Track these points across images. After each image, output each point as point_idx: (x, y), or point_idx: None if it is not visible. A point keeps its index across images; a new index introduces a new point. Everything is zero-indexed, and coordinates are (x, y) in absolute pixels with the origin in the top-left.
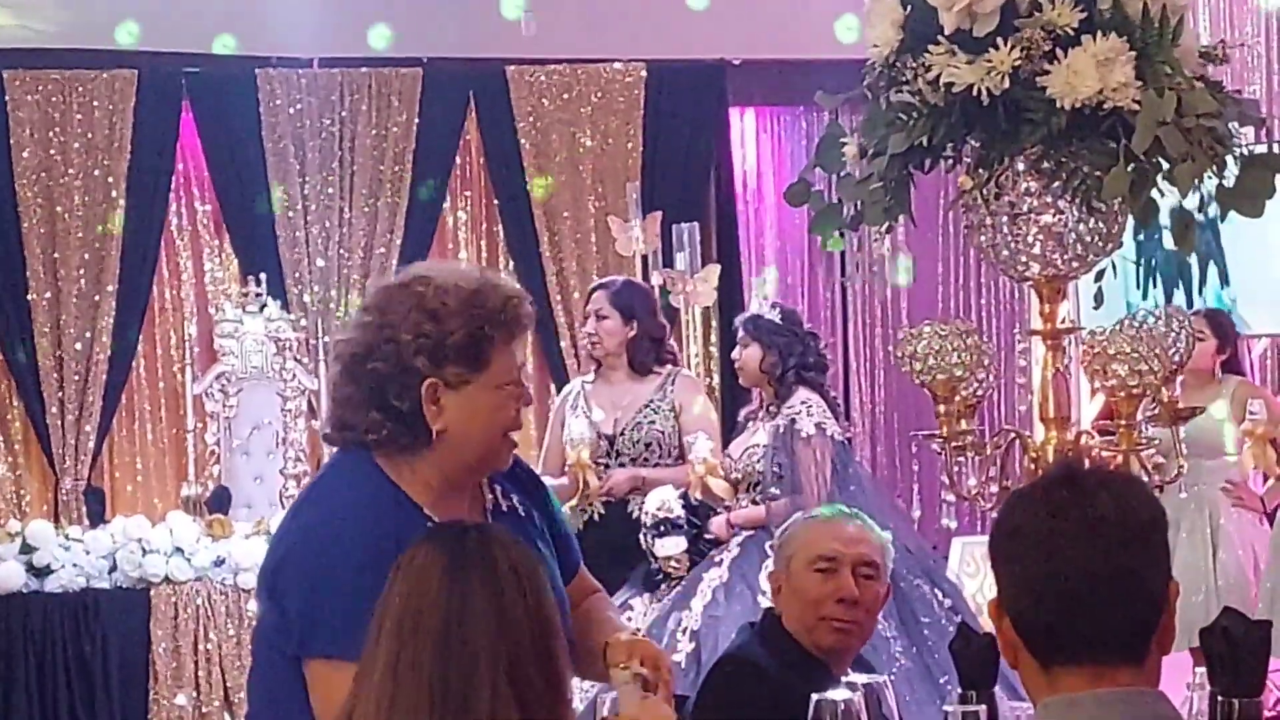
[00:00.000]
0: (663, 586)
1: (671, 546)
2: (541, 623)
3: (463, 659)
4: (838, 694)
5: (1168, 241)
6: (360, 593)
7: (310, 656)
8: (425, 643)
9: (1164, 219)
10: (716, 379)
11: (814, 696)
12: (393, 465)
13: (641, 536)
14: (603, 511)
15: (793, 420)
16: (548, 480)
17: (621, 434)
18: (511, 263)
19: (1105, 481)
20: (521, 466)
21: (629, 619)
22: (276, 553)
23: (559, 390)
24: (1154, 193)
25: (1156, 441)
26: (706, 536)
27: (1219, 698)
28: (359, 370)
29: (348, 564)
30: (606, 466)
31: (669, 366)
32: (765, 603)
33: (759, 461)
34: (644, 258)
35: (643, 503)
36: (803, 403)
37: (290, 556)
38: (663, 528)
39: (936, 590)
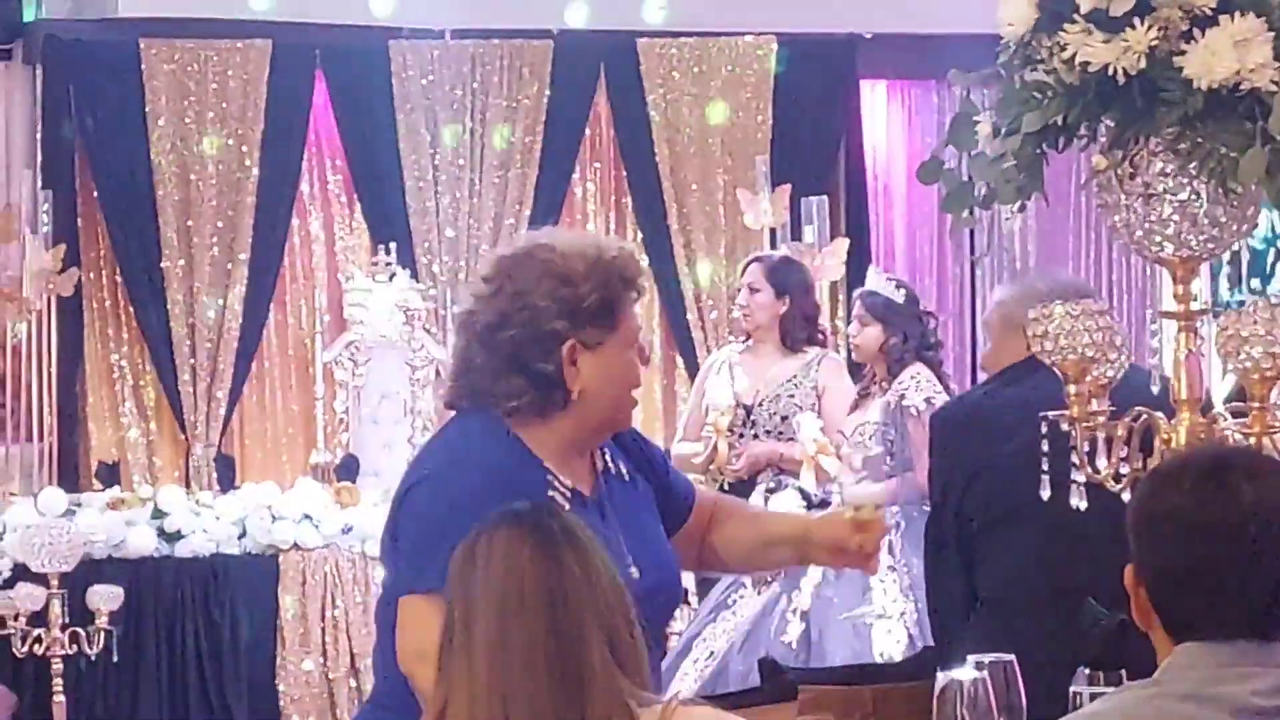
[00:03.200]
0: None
1: None
2: (621, 589)
3: (570, 629)
4: (964, 673)
5: None
6: (458, 530)
7: (413, 592)
8: (533, 619)
9: None
10: (843, 354)
11: (940, 676)
12: (523, 428)
13: None
14: (729, 486)
15: (902, 396)
16: (685, 446)
17: (760, 405)
18: (640, 234)
19: (1251, 473)
20: (626, 433)
21: (740, 598)
22: (399, 497)
23: (685, 362)
24: None
25: None
26: None
27: None
28: (494, 339)
29: (470, 504)
30: (741, 436)
31: (816, 348)
32: (874, 582)
33: (871, 439)
34: (772, 231)
35: (773, 486)
36: (912, 377)
37: (413, 494)
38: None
39: None
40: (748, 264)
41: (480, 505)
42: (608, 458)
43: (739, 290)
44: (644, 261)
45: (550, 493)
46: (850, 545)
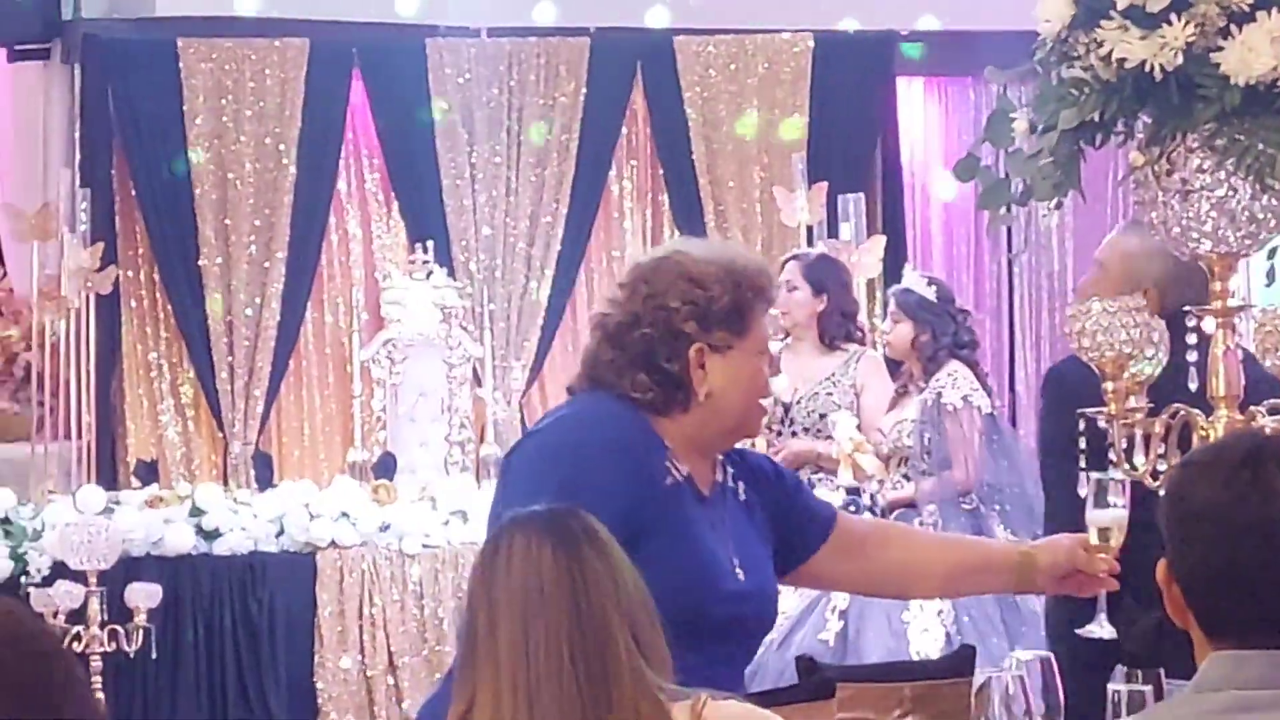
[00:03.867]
0: None
1: None
2: (643, 587)
3: (594, 623)
4: (1003, 670)
5: None
6: (559, 475)
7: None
8: (556, 616)
9: None
10: (880, 350)
11: (979, 673)
12: (649, 417)
13: None
14: None
15: (939, 394)
16: None
17: (798, 403)
18: (676, 232)
19: None
20: (756, 458)
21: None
22: (506, 456)
23: None
24: None
25: None
26: None
27: None
28: (625, 338)
29: (562, 448)
30: (779, 434)
31: (855, 346)
32: None
33: (908, 436)
34: (809, 228)
35: (811, 484)
36: (949, 375)
37: (521, 448)
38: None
39: None
40: (785, 262)
41: (588, 451)
42: (729, 474)
43: (776, 288)
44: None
45: (668, 468)
46: (1084, 565)
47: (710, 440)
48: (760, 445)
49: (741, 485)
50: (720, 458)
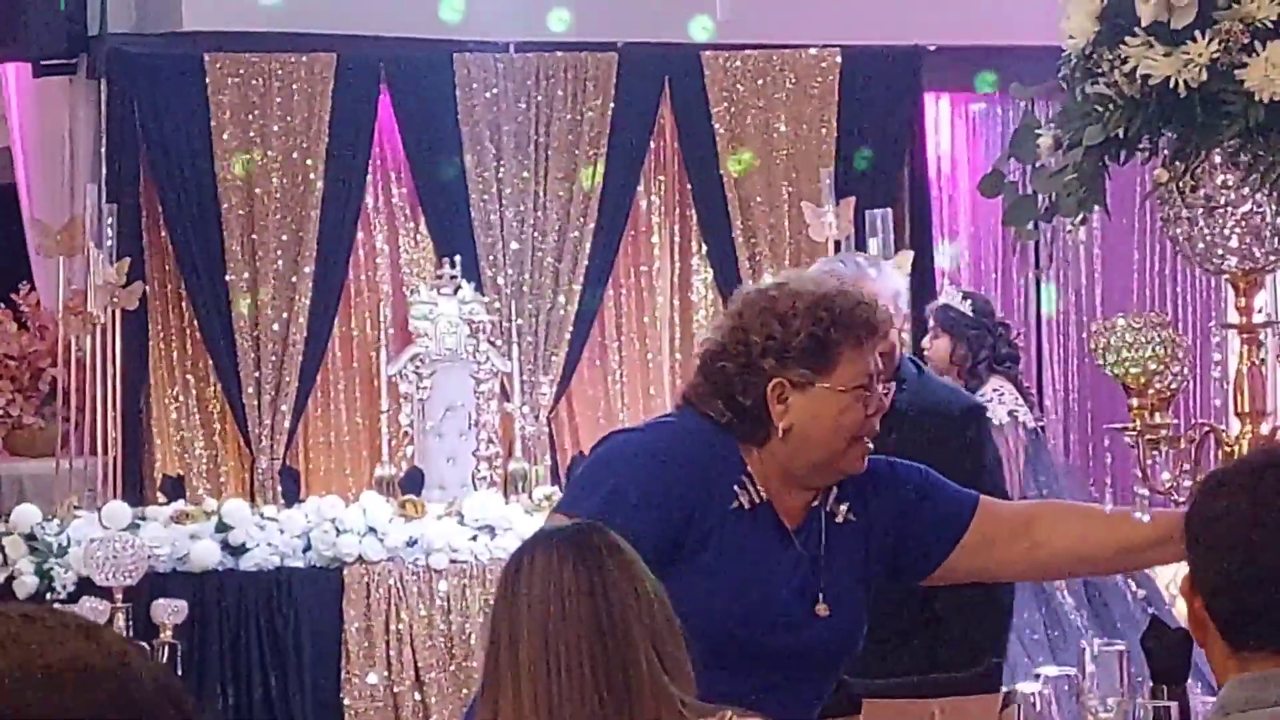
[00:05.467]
0: None
1: None
2: (665, 602)
3: (617, 637)
4: (1028, 686)
5: None
6: (621, 475)
7: (559, 510)
8: (578, 630)
9: None
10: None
11: (1004, 689)
12: (777, 452)
13: None
14: None
15: (984, 410)
16: None
17: None
18: (704, 247)
19: None
20: (875, 469)
21: None
22: (592, 449)
23: None
24: None
25: None
26: None
27: None
28: (710, 367)
29: (632, 452)
30: None
31: None
32: None
33: None
34: (837, 243)
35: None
36: (995, 390)
37: (599, 446)
38: None
39: (1130, 580)
40: None
41: (654, 460)
42: (832, 498)
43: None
44: (869, 310)
45: (737, 491)
46: None
47: (801, 474)
48: None
49: (845, 507)
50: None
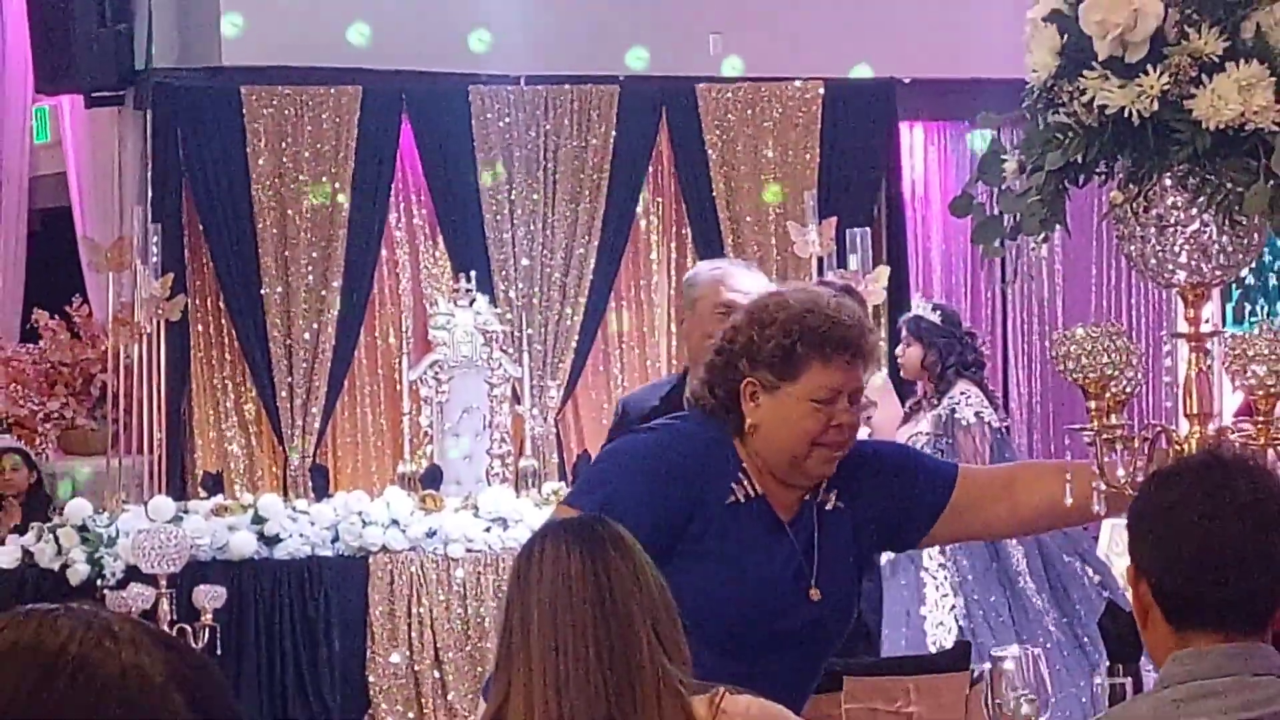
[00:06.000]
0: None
1: None
2: (665, 588)
3: (619, 622)
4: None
5: None
6: (623, 471)
7: (565, 504)
8: (583, 615)
9: None
10: (886, 370)
11: (974, 667)
12: (749, 445)
13: None
14: None
15: (953, 410)
16: None
17: None
18: (698, 262)
19: (1244, 469)
20: (860, 453)
21: None
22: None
23: None
24: None
25: None
26: None
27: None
28: (709, 360)
29: (635, 451)
30: None
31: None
32: (927, 578)
33: (923, 447)
34: (820, 259)
35: None
36: (962, 393)
37: (609, 444)
38: None
39: (1086, 567)
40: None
41: (655, 457)
42: (821, 487)
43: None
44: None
45: (733, 488)
46: None
47: (777, 471)
48: None
49: (834, 495)
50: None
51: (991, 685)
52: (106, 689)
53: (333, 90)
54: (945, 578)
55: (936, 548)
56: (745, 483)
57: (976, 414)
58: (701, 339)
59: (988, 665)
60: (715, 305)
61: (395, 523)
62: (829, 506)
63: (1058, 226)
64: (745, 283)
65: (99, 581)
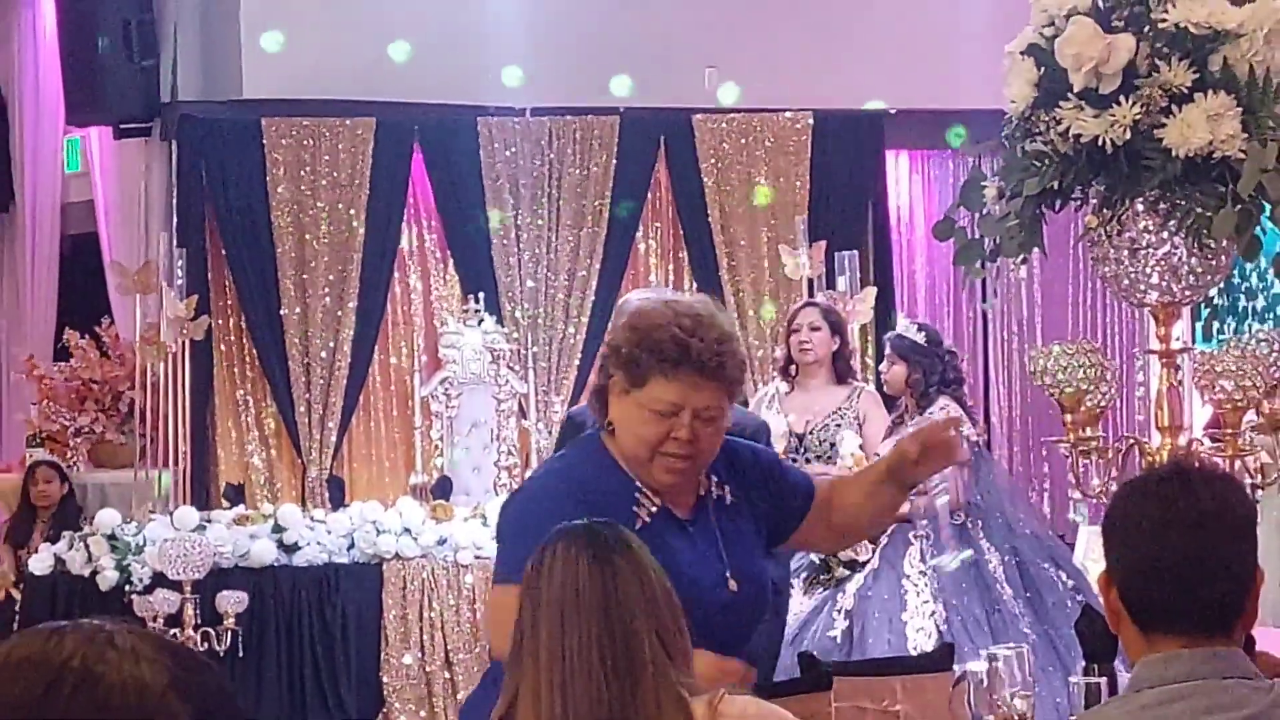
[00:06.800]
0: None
1: (868, 545)
2: (670, 591)
3: (623, 626)
4: (978, 665)
5: None
6: (543, 531)
7: (497, 583)
8: (589, 620)
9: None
10: (872, 385)
11: (957, 668)
12: (614, 446)
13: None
14: None
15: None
16: None
17: (810, 433)
18: (695, 284)
19: (1208, 479)
20: (739, 452)
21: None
22: (503, 504)
23: None
24: (1258, 230)
25: (1259, 450)
26: None
27: None
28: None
29: (542, 505)
30: (794, 460)
31: (857, 382)
32: (909, 585)
33: None
34: (809, 281)
35: None
36: (941, 408)
37: (509, 501)
38: None
39: (1060, 572)
40: (804, 307)
41: (558, 509)
42: (713, 483)
43: (794, 330)
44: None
45: (636, 511)
46: (940, 436)
47: (633, 468)
48: None
49: (729, 489)
50: (709, 480)
51: (989, 682)
52: (108, 698)
53: (348, 122)
54: (925, 584)
55: (917, 555)
56: (644, 500)
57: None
58: None
59: (971, 665)
60: None
61: (407, 531)
62: (727, 501)
63: (1035, 249)
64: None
65: (127, 587)
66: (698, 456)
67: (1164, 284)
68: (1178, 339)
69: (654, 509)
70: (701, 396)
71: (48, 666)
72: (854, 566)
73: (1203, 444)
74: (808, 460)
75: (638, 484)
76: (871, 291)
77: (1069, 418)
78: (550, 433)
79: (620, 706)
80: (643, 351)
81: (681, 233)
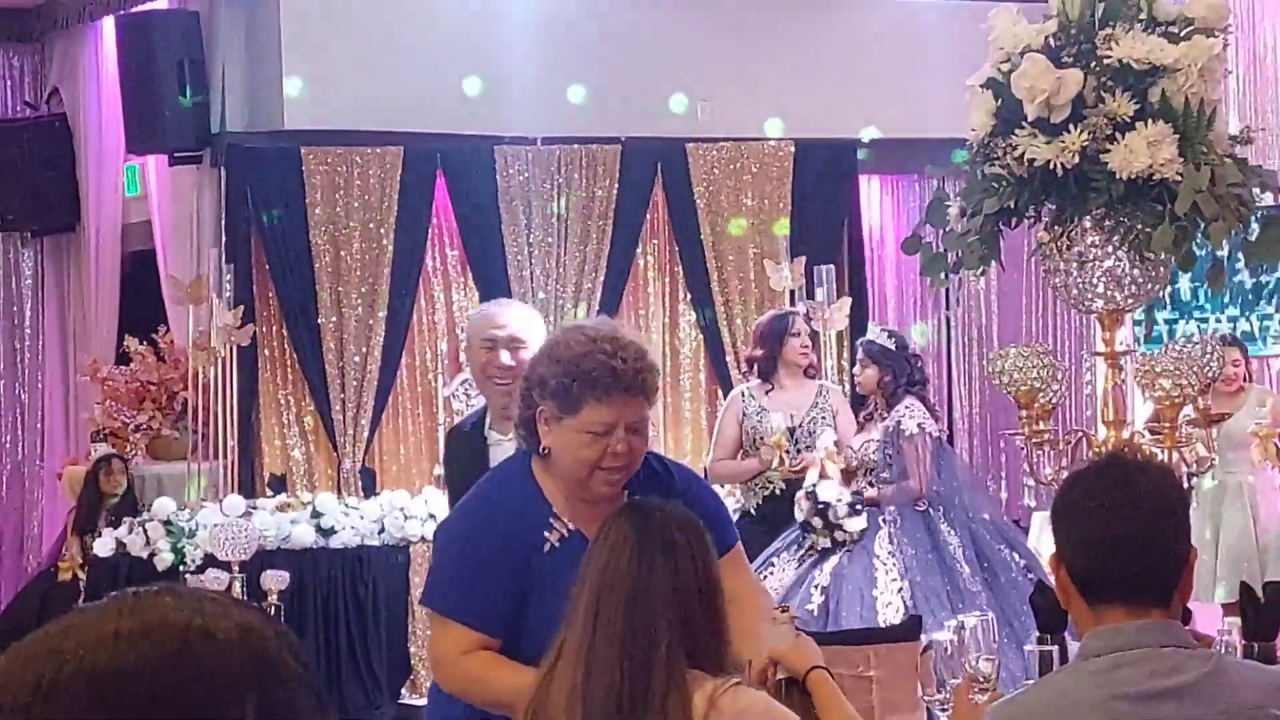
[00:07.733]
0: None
1: (860, 523)
2: (710, 584)
3: (646, 620)
4: (943, 635)
5: None
6: (461, 561)
7: (426, 606)
8: (617, 607)
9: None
10: (847, 387)
11: (924, 637)
12: (541, 468)
13: (820, 516)
14: (783, 487)
15: (899, 421)
16: (730, 465)
17: (799, 426)
18: (689, 294)
19: (1144, 468)
20: (650, 466)
21: (771, 573)
22: (437, 528)
23: (724, 395)
24: (1193, 245)
25: (1195, 442)
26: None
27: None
28: (521, 387)
29: (463, 535)
30: (788, 451)
31: (820, 379)
32: (879, 565)
33: (873, 453)
34: (791, 292)
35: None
36: (907, 408)
37: (440, 526)
38: (856, 508)
39: (1014, 553)
40: (797, 316)
41: (476, 537)
42: (624, 496)
43: (794, 334)
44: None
45: (546, 536)
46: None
47: (572, 491)
48: (785, 460)
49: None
50: (624, 494)
51: (959, 647)
52: (228, 646)
53: (378, 150)
54: (894, 564)
55: (886, 538)
56: (557, 525)
57: (919, 425)
58: (477, 369)
59: (936, 635)
60: (480, 340)
61: (432, 517)
62: None
63: (993, 262)
64: (503, 318)
65: (181, 568)
66: (632, 464)
67: (1109, 293)
68: (1122, 343)
69: (566, 533)
70: (631, 411)
71: (170, 627)
72: (839, 543)
73: (1144, 437)
74: (799, 450)
75: (553, 510)
76: (847, 301)
77: (1024, 413)
78: None
79: (630, 679)
80: (573, 381)
81: (677, 249)
